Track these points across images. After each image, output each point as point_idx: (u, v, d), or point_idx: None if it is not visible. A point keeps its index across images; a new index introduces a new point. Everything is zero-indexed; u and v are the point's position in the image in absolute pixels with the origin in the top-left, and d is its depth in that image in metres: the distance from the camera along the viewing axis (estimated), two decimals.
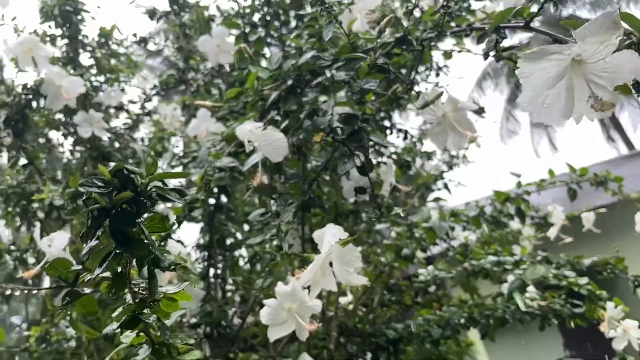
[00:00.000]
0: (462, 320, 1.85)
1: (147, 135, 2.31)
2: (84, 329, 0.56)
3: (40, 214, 1.67)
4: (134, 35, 2.10)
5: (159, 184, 0.46)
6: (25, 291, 1.20)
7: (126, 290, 0.64)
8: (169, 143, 2.32)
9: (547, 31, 0.65)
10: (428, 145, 2.65)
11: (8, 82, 1.58)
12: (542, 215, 2.36)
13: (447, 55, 1.01)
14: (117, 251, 0.46)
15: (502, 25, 0.70)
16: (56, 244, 1.16)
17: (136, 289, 0.64)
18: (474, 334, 2.50)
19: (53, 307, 0.97)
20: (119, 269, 0.58)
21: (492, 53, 0.71)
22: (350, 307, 2.18)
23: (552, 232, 2.37)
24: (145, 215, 0.50)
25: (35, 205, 1.63)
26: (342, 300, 2.17)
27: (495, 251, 1.99)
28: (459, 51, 0.93)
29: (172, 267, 0.51)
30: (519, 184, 1.89)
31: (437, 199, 2.08)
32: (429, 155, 2.68)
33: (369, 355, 2.03)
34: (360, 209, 1.87)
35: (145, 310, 0.66)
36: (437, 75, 2.14)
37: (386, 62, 0.82)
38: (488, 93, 13.09)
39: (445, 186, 2.56)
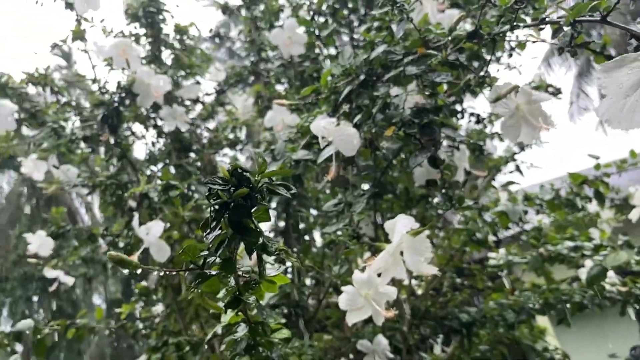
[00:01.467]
0: (537, 305, 1.83)
1: (221, 125, 2.43)
2: (215, 306, 0.65)
3: (132, 203, 1.83)
4: (210, 30, 2.20)
5: (268, 180, 0.52)
6: (162, 272, 1.33)
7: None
8: (241, 132, 2.43)
9: (625, 26, 0.64)
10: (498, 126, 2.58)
11: (102, 82, 1.73)
12: (622, 197, 2.25)
13: (522, 45, 1.00)
14: (233, 239, 0.53)
15: (578, 19, 0.70)
16: (153, 231, 1.28)
17: (240, 273, 0.72)
18: (543, 320, 2.45)
19: (187, 286, 1.09)
20: (228, 255, 0.66)
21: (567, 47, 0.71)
22: (421, 291, 2.21)
23: (634, 215, 2.25)
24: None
25: (126, 196, 1.80)
26: (414, 283, 2.21)
27: (572, 235, 1.94)
28: (534, 42, 0.92)
29: (277, 252, 0.58)
30: (597, 166, 1.82)
31: (509, 183, 2.04)
32: (500, 137, 2.61)
33: (440, 339, 2.06)
34: (430, 193, 1.88)
35: (246, 292, 0.74)
36: (510, 56, 2.08)
37: (457, 59, 0.84)
38: (556, 69, 12.36)
39: (517, 168, 2.49)
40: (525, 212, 2.00)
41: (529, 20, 0.81)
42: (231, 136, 2.41)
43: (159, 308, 2.35)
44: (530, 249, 2.01)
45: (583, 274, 1.91)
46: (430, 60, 0.88)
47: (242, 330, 0.99)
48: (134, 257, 1.37)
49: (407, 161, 1.36)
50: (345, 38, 1.70)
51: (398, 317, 1.82)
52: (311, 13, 1.69)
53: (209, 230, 0.56)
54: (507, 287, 2.14)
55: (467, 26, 0.95)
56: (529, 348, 2.11)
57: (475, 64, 0.96)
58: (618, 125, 0.52)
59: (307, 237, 2.10)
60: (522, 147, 2.61)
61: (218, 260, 0.61)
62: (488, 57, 0.90)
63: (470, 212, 1.99)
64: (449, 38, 0.85)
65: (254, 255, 0.68)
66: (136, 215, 1.33)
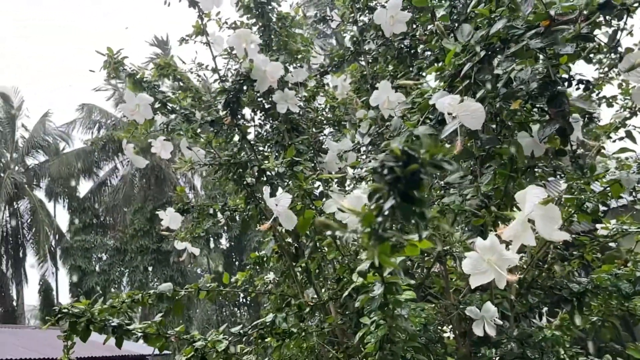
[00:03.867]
0: None
1: (321, 105, 2.55)
2: (390, 262, 0.75)
3: (250, 179, 2.01)
4: (315, 15, 2.31)
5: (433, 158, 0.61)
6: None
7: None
8: (340, 112, 2.53)
9: None
10: (607, 90, 2.48)
11: (221, 71, 1.91)
12: None
13: None
14: (403, 208, 0.63)
15: None
16: (282, 202, 1.42)
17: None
18: None
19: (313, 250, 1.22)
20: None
21: None
22: (526, 260, 2.21)
23: None
24: None
25: (246, 173, 1.98)
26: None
27: None
28: None
29: (429, 219, 0.67)
30: None
31: (623, 150, 1.97)
32: (609, 102, 2.51)
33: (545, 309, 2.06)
34: (535, 164, 1.87)
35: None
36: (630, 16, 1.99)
37: (591, 31, 0.87)
38: None
39: (629, 134, 2.37)
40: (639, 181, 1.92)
41: None
42: (330, 115, 2.52)
43: (271, 276, 2.56)
44: None
45: None
46: (562, 34, 0.91)
47: (378, 289, 1.10)
48: (267, 226, 1.53)
49: (513, 131, 1.39)
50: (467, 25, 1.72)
51: (506, 286, 1.85)
52: None
53: (381, 200, 0.66)
54: (619, 260, 2.08)
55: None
56: None
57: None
58: None
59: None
60: (634, 112, 2.49)
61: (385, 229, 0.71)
62: (620, 28, 0.91)
63: (579, 181, 1.96)
64: (583, 9, 0.87)
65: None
66: (267, 188, 1.47)
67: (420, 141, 0.62)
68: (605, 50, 0.96)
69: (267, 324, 1.73)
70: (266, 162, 1.65)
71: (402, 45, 2.08)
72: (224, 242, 17.94)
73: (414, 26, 2.13)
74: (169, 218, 2.32)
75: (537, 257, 2.16)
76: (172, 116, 1.87)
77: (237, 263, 17.72)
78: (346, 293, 1.12)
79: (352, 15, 2.07)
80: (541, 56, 1.02)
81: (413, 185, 0.61)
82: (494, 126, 1.21)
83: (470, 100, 1.08)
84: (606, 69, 2.50)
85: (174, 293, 2.00)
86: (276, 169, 1.56)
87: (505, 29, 1.09)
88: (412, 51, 2.03)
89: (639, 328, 2.46)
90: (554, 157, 1.48)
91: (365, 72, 2.05)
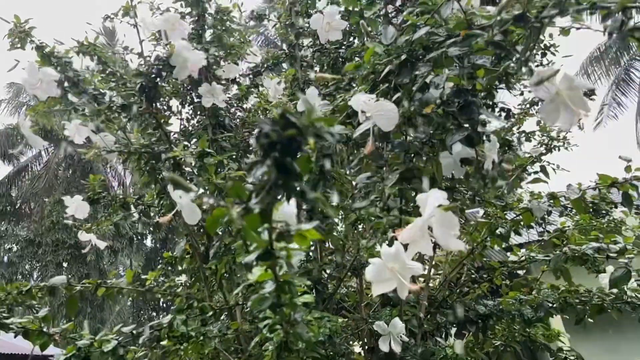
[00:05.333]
0: (556, 304, 1.84)
1: (254, 107, 2.48)
2: (261, 241, 0.68)
3: (165, 173, 1.89)
4: (251, 12, 2.26)
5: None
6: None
7: (266, 225, 0.76)
8: (272, 114, 2.48)
9: None
10: (528, 126, 2.59)
11: (147, 56, 1.80)
12: None
13: (565, 32, 1.02)
14: (277, 181, 0.57)
15: (630, 5, 0.72)
16: (186, 195, 1.33)
17: (274, 225, 0.76)
18: (556, 324, 2.45)
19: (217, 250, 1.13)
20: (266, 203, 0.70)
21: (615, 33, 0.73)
22: (438, 282, 2.23)
23: None
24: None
25: (160, 165, 1.86)
26: (432, 273, 2.23)
27: (597, 237, 1.94)
28: (578, 28, 0.94)
29: (315, 200, 0.61)
30: (628, 168, 1.81)
31: (536, 180, 2.04)
32: (528, 137, 2.62)
33: (453, 330, 2.08)
34: (456, 185, 1.90)
35: (277, 246, 0.78)
36: (544, 55, 2.09)
37: (503, 40, 0.86)
38: (593, 78, 12.24)
39: (543, 169, 2.48)
40: (549, 213, 2.00)
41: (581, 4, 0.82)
42: (262, 117, 2.46)
43: (183, 278, 2.43)
44: (553, 251, 2.02)
45: (604, 278, 1.91)
46: (475, 42, 0.91)
47: (269, 287, 1.03)
48: (167, 218, 1.43)
49: (436, 150, 1.39)
50: (391, 27, 1.73)
51: (415, 303, 1.85)
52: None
53: (254, 170, 0.59)
54: (525, 287, 2.15)
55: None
56: (542, 347, 2.11)
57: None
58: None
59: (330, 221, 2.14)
60: (549, 149, 2.61)
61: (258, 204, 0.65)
62: (533, 41, 0.92)
63: (494, 208, 2.01)
64: (497, 19, 0.87)
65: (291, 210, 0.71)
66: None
67: (307, 110, 0.57)
68: (519, 66, 0.96)
69: (164, 325, 1.61)
70: (174, 151, 1.56)
71: (337, 54, 2.07)
72: (149, 243, 17.22)
73: (351, 38, 2.13)
74: (76, 206, 2.14)
75: (450, 279, 2.19)
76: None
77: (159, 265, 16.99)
78: (234, 295, 1.04)
79: (290, 18, 2.03)
80: (458, 65, 1.02)
81: (289, 152, 0.56)
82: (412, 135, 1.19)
83: (386, 101, 1.05)
84: (527, 105, 2.63)
85: (67, 287, 1.83)
86: (185, 159, 1.46)
87: (427, 35, 1.08)
88: (347, 61, 2.02)
89: (540, 355, 2.53)
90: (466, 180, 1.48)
91: (298, 77, 2.02)
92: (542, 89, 0.91)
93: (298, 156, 0.59)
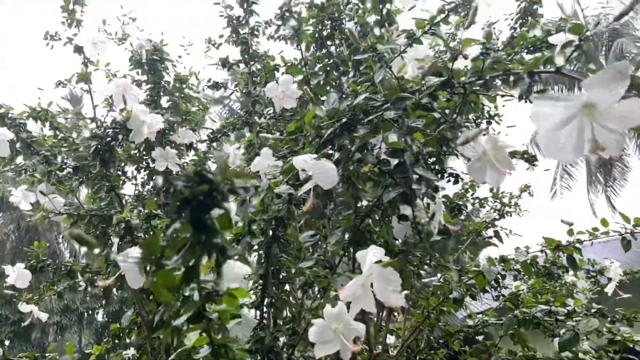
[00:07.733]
0: None
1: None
2: (169, 297, 0.66)
3: (115, 238, 1.85)
4: (209, 80, 2.33)
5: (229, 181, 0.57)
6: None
7: (194, 285, 0.74)
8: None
9: (577, 76, 0.73)
10: (481, 192, 2.67)
11: (100, 121, 1.82)
12: (598, 270, 2.30)
13: (492, 99, 1.10)
14: (194, 240, 0.57)
15: (535, 71, 0.79)
16: (131, 257, 1.30)
17: (203, 284, 0.74)
18: None
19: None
20: (192, 261, 0.69)
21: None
22: (395, 350, 2.18)
23: (609, 288, 2.30)
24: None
25: (111, 230, 1.82)
26: (389, 340, 2.19)
27: (547, 301, 1.96)
28: (502, 96, 1.02)
29: (237, 256, 0.61)
30: (570, 232, 1.88)
31: (487, 243, 2.09)
32: (481, 202, 2.70)
33: None
34: (410, 250, 1.92)
35: (209, 308, 0.76)
36: (489, 123, 2.21)
37: (430, 102, 0.92)
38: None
39: (497, 234, 2.54)
40: (503, 277, 2.03)
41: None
42: None
43: (130, 352, 2.30)
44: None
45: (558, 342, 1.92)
46: (406, 104, 0.96)
47: (204, 352, 0.99)
48: (109, 282, 1.38)
49: (387, 213, 1.42)
50: (333, 93, 1.82)
51: None
52: (305, 70, 1.81)
53: (170, 227, 0.59)
54: (484, 353, 2.13)
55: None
56: None
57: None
58: (553, 156, 0.60)
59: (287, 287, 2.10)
60: (502, 214, 2.70)
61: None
62: (459, 106, 0.98)
63: (449, 272, 2.03)
64: (423, 83, 0.93)
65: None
66: (116, 242, 1.35)
67: (220, 166, 0.59)
68: (450, 130, 1.02)
69: None
70: (119, 214, 1.53)
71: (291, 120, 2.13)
72: (100, 318, 16.20)
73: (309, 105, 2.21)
74: (17, 275, 2.04)
75: (408, 345, 2.15)
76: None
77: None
78: None
79: (247, 86, 2.11)
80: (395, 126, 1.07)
81: (202, 208, 0.56)
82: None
83: (326, 160, 1.09)
84: None
85: None
86: (132, 220, 1.44)
87: (365, 100, 1.14)
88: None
89: None
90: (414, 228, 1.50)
91: (253, 142, 2.06)
92: (469, 148, 0.96)
93: (219, 213, 0.59)
